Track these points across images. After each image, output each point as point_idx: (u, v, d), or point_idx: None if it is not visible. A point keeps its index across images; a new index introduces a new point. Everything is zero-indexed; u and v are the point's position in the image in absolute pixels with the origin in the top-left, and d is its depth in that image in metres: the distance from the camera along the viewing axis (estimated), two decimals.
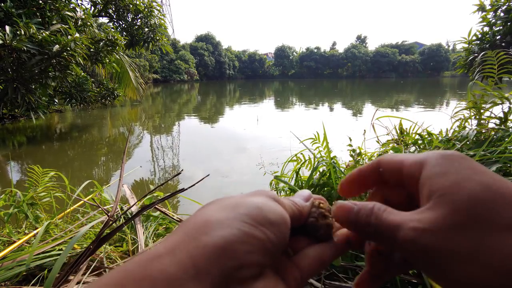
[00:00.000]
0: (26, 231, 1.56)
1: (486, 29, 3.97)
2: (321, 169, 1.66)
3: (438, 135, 1.87)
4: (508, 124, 1.51)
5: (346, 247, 0.26)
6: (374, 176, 0.28)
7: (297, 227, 0.27)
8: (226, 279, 0.18)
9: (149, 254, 0.19)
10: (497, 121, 1.56)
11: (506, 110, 1.53)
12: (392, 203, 0.25)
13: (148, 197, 1.61)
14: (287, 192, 1.76)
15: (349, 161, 2.02)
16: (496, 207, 0.19)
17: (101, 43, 6.60)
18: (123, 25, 8.38)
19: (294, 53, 58.21)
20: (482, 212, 0.19)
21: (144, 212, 1.57)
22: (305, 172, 1.90)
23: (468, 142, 1.45)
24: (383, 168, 0.27)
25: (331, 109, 12.63)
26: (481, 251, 0.18)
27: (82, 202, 1.79)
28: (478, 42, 3.99)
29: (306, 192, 0.29)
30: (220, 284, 0.18)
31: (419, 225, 0.20)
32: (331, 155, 1.62)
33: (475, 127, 1.57)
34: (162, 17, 8.70)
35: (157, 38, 8.66)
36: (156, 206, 1.35)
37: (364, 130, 2.07)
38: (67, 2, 6.10)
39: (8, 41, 4.39)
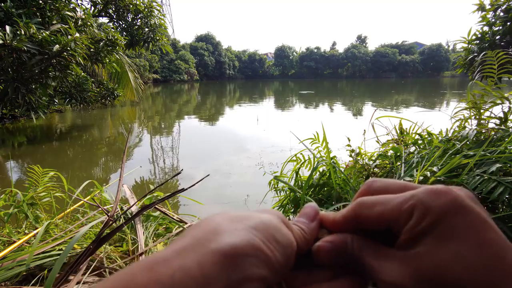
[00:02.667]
0: (26, 231, 1.57)
1: (485, 28, 3.97)
2: (321, 169, 1.66)
3: (438, 135, 1.87)
4: (508, 124, 1.51)
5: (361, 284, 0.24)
6: (351, 227, 0.26)
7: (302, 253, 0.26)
8: None
9: (157, 257, 0.18)
10: (497, 121, 1.56)
11: (506, 110, 1.53)
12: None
13: (148, 197, 1.61)
14: (287, 192, 1.76)
15: (349, 161, 2.02)
16: None
17: (101, 43, 6.60)
18: (123, 25, 8.39)
19: (294, 53, 58.21)
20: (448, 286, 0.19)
21: (144, 212, 1.57)
22: (305, 172, 1.90)
23: (468, 142, 1.45)
24: (363, 224, 0.25)
25: (331, 109, 12.63)
26: None
27: (82, 202, 1.79)
28: (478, 41, 3.99)
29: (312, 208, 0.28)
30: None
31: (389, 279, 0.21)
32: (331, 155, 1.62)
33: (475, 127, 1.57)
34: (162, 17, 8.70)
35: (157, 38, 8.66)
36: (156, 206, 1.35)
37: (364, 130, 2.07)
38: (67, 2, 6.11)
39: (8, 41, 4.39)
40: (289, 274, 0.26)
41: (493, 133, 1.45)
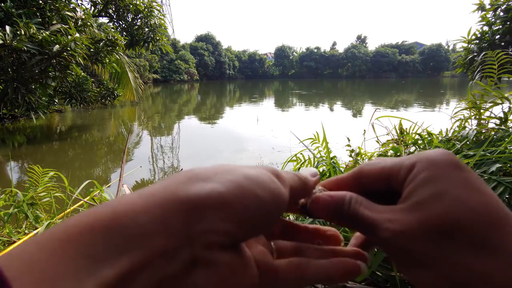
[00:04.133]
0: (26, 231, 1.57)
1: (485, 28, 3.97)
2: (321, 169, 1.66)
3: (438, 135, 1.87)
4: (508, 124, 1.51)
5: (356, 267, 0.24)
6: (354, 186, 0.26)
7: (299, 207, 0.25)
8: (192, 240, 0.18)
9: (123, 199, 0.18)
10: (497, 121, 1.56)
11: (506, 110, 1.53)
12: (369, 190, 0.25)
13: None
14: None
15: (349, 161, 2.02)
16: (469, 227, 0.19)
17: (101, 43, 6.61)
18: (123, 25, 8.39)
19: (294, 53, 58.23)
20: (454, 229, 0.19)
21: None
22: None
23: (468, 142, 1.45)
24: (366, 179, 0.25)
25: (331, 109, 12.63)
26: (442, 261, 0.19)
27: (82, 202, 1.79)
28: (478, 41, 3.99)
29: (313, 169, 0.27)
30: (186, 243, 0.17)
31: (393, 227, 0.21)
32: (331, 155, 1.62)
33: (475, 127, 1.57)
34: (162, 17, 8.71)
35: (157, 38, 8.66)
36: None
37: (364, 130, 2.07)
38: (67, 2, 6.11)
39: (8, 41, 4.39)
40: (280, 237, 0.26)
41: (493, 133, 1.45)
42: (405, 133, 2.13)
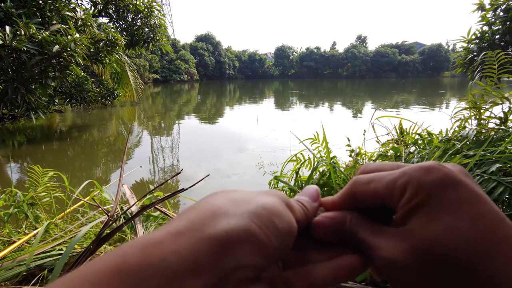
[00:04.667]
0: (26, 231, 1.57)
1: (485, 28, 3.97)
2: (321, 169, 1.66)
3: (438, 135, 1.87)
4: (508, 124, 1.51)
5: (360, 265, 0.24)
6: (351, 204, 0.26)
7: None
8: (224, 278, 0.17)
9: (150, 238, 0.18)
10: (497, 121, 1.56)
11: (506, 110, 1.53)
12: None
13: (148, 197, 1.61)
14: (287, 192, 1.76)
15: (349, 161, 2.02)
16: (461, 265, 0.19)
17: (101, 43, 6.60)
18: (123, 25, 8.38)
19: (294, 53, 58.22)
20: (445, 259, 0.19)
21: (144, 212, 1.57)
22: (305, 172, 1.90)
23: (468, 142, 1.46)
24: (361, 199, 0.25)
25: (331, 109, 12.63)
26: None
27: (82, 202, 1.79)
28: (477, 41, 3.99)
29: (314, 189, 0.27)
30: (218, 282, 0.17)
31: (387, 255, 0.21)
32: (331, 155, 1.62)
33: (475, 127, 1.57)
34: (162, 17, 8.70)
35: (157, 38, 8.66)
36: (156, 206, 1.35)
37: (364, 130, 2.07)
38: (67, 2, 6.11)
39: (8, 41, 4.39)
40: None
41: (493, 133, 1.45)
42: (405, 133, 2.13)
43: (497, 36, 3.84)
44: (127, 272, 0.16)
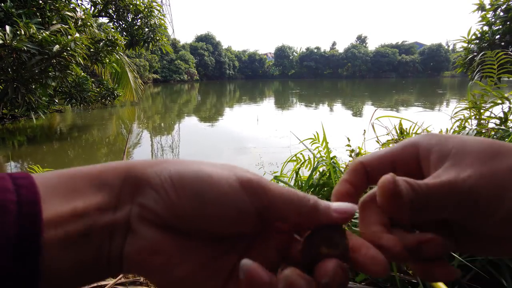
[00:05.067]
0: None
1: (485, 28, 3.97)
2: (321, 169, 1.66)
3: None
4: (508, 124, 1.51)
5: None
6: (362, 179, 0.25)
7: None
8: (131, 208, 0.21)
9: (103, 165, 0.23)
10: (497, 121, 1.56)
11: (506, 110, 1.53)
12: None
13: None
14: None
15: (349, 161, 2.02)
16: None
17: (101, 43, 6.60)
18: (123, 25, 8.38)
19: (294, 53, 58.20)
20: (492, 158, 0.21)
21: None
22: (305, 172, 1.90)
23: None
24: (370, 168, 0.25)
25: (331, 109, 12.63)
26: (505, 198, 0.20)
27: None
28: (478, 41, 3.99)
29: (348, 205, 0.23)
30: (128, 207, 0.21)
31: (463, 178, 0.21)
32: (331, 155, 1.62)
33: (475, 127, 1.57)
34: (162, 17, 8.70)
35: (157, 38, 8.66)
36: None
37: (364, 130, 2.07)
38: (67, 2, 6.11)
39: (8, 41, 4.39)
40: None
41: (493, 133, 1.45)
42: (405, 133, 2.13)
43: (497, 36, 3.84)
44: (78, 175, 0.22)
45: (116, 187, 0.21)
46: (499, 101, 1.55)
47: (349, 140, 1.96)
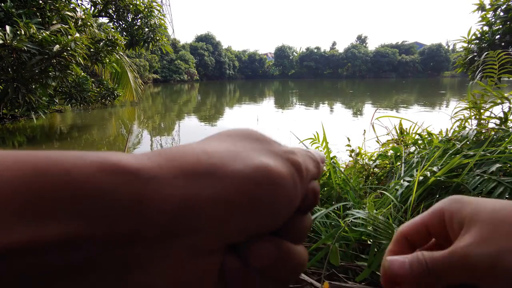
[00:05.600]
0: None
1: (485, 28, 3.97)
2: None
3: (438, 135, 1.87)
4: (508, 124, 1.51)
5: None
6: (405, 248, 0.28)
7: None
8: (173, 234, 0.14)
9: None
10: (497, 121, 1.56)
11: (506, 110, 1.53)
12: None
13: None
14: None
15: (349, 161, 2.02)
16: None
17: (101, 43, 6.61)
18: (123, 25, 8.38)
19: (294, 53, 58.20)
20: (503, 225, 0.22)
21: None
22: None
23: (468, 142, 1.46)
24: (410, 236, 0.28)
25: (331, 109, 12.63)
26: (499, 261, 0.21)
27: None
28: (478, 41, 3.99)
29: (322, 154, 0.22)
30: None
31: (467, 246, 0.22)
32: (331, 155, 1.62)
33: (475, 127, 1.57)
34: (162, 17, 8.70)
35: (157, 38, 8.66)
36: None
37: (364, 130, 2.07)
38: (67, 2, 6.11)
39: (8, 41, 4.39)
40: None
41: (493, 133, 1.45)
42: (405, 133, 2.13)
43: (497, 36, 3.84)
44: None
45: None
46: (499, 101, 1.55)
47: (349, 140, 1.96)
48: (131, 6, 8.03)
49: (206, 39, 48.12)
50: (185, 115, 11.41)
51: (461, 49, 4.18)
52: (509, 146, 1.28)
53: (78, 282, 0.11)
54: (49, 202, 0.11)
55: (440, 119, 2.48)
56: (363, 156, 2.01)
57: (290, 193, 0.16)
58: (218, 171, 0.15)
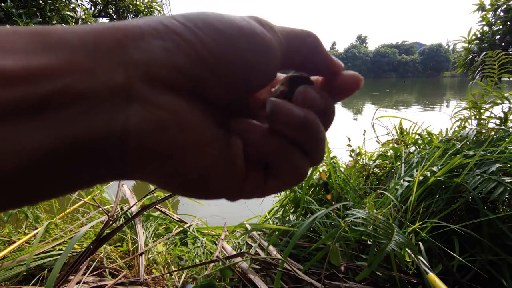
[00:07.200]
0: (26, 231, 1.57)
1: (485, 28, 3.97)
2: (321, 169, 1.66)
3: (438, 135, 1.87)
4: (508, 124, 1.51)
5: None
6: None
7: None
8: (127, 66, 0.14)
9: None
10: (497, 121, 1.56)
11: (506, 110, 1.53)
12: None
13: (148, 197, 1.62)
14: (287, 192, 1.76)
15: (349, 161, 2.02)
16: None
17: None
18: None
19: None
20: None
21: (144, 212, 1.57)
22: None
23: (468, 142, 1.45)
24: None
25: None
26: None
27: (82, 202, 1.79)
28: (478, 41, 3.99)
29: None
30: (118, 69, 0.14)
31: None
32: (331, 155, 1.62)
33: (475, 127, 1.57)
34: None
35: None
36: (156, 206, 1.35)
37: (364, 130, 2.07)
38: (67, 2, 6.11)
39: None
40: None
41: (493, 133, 1.45)
42: (405, 133, 2.13)
43: (498, 37, 3.84)
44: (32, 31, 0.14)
45: (83, 44, 0.13)
46: (499, 101, 1.55)
47: (349, 140, 1.96)
48: (131, 6, 8.04)
49: None
50: None
51: (461, 49, 4.18)
52: (509, 146, 1.28)
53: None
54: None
55: (440, 119, 2.48)
56: (363, 156, 2.01)
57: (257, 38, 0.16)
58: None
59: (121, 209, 1.61)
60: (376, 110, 2.27)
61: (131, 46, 0.14)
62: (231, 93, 0.16)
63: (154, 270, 1.27)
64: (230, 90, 0.16)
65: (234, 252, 1.26)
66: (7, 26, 0.13)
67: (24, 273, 1.16)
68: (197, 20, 0.15)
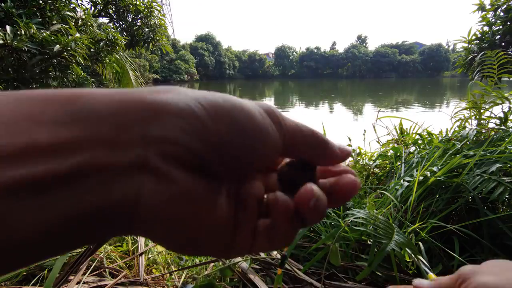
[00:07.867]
0: None
1: (485, 28, 3.97)
2: None
3: (438, 135, 1.87)
4: (508, 124, 1.51)
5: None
6: None
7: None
8: (146, 143, 0.15)
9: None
10: (497, 121, 1.56)
11: (506, 110, 1.53)
12: None
13: None
14: None
15: (349, 161, 2.02)
16: None
17: (101, 43, 6.61)
18: (123, 25, 8.38)
19: (294, 53, 58.19)
20: None
21: None
22: None
23: (468, 142, 1.45)
24: None
25: (331, 109, 12.63)
26: None
27: None
28: (478, 41, 3.99)
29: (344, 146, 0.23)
30: (138, 144, 0.15)
31: None
32: None
33: (475, 127, 1.57)
34: (162, 17, 8.70)
35: (157, 38, 8.65)
36: None
37: (364, 130, 2.08)
38: (67, 2, 6.11)
39: (9, 41, 4.39)
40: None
41: (493, 133, 1.45)
42: (405, 133, 2.13)
43: (498, 37, 3.84)
44: (59, 100, 0.15)
45: (109, 115, 0.15)
46: (499, 101, 1.55)
47: (350, 140, 1.96)
48: (131, 6, 8.03)
49: (206, 39, 48.11)
50: None
51: (461, 49, 4.18)
52: (509, 146, 1.28)
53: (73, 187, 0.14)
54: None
55: (440, 119, 2.48)
56: (363, 156, 2.01)
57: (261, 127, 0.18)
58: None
59: None
60: (379, 110, 2.27)
61: (154, 123, 0.16)
62: (233, 173, 0.18)
63: (154, 270, 1.27)
64: (232, 170, 0.18)
65: None
66: (39, 90, 0.15)
67: (24, 273, 1.16)
68: (220, 110, 0.17)
